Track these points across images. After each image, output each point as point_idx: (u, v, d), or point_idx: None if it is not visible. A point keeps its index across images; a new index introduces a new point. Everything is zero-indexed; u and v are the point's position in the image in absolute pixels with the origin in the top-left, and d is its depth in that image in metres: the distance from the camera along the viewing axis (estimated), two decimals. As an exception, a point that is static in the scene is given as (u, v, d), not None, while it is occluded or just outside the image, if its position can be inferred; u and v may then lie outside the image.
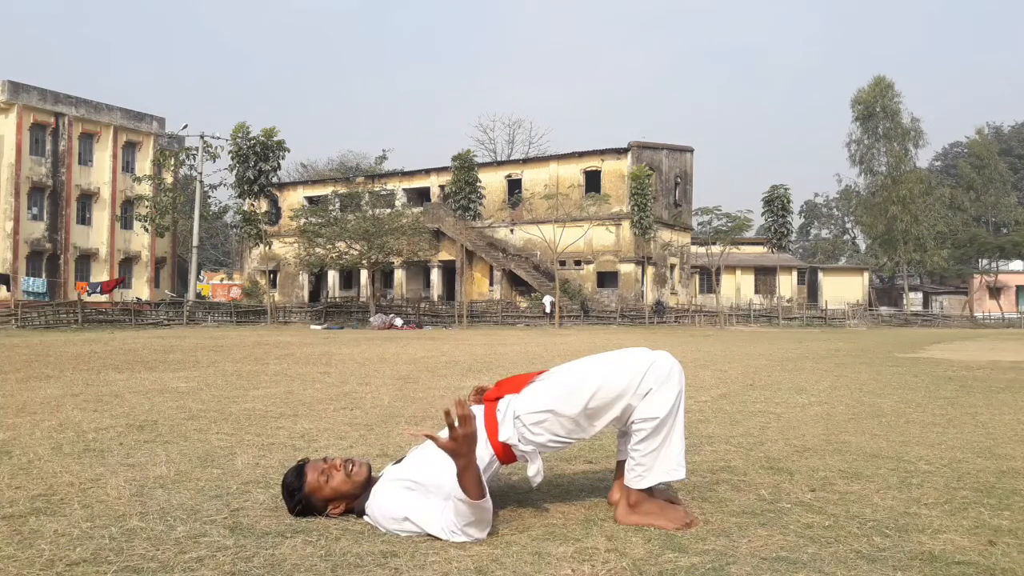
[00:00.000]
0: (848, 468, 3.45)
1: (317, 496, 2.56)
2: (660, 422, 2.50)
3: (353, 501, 2.58)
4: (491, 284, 44.58)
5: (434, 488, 2.47)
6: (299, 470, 2.61)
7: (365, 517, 2.53)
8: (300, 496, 2.56)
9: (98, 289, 38.01)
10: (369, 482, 2.60)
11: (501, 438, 2.55)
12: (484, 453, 2.55)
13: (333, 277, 48.47)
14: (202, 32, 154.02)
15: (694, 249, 49.41)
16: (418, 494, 2.46)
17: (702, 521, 2.57)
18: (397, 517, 2.40)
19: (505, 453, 2.57)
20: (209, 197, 41.20)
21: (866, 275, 58.49)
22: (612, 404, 2.54)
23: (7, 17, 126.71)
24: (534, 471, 2.58)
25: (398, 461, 2.68)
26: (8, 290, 36.30)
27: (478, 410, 2.66)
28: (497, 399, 2.63)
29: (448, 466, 2.50)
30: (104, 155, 45.60)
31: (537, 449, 2.58)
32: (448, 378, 7.93)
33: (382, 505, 2.45)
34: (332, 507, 2.57)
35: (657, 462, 2.54)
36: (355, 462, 2.62)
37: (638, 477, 2.55)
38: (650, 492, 2.59)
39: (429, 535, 2.37)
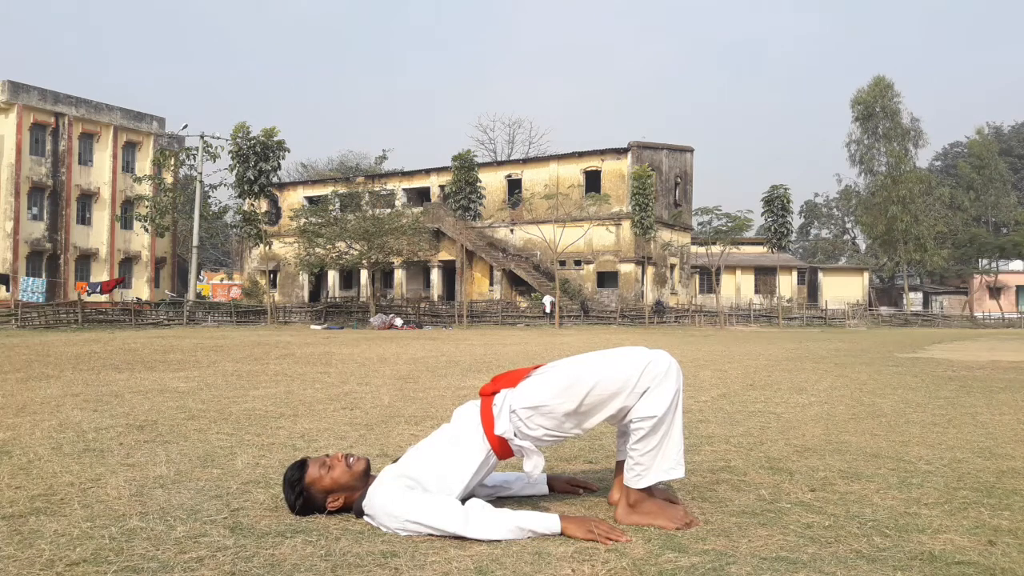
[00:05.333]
0: (848, 468, 3.45)
1: (317, 487, 2.58)
2: (658, 421, 2.51)
3: (352, 494, 2.59)
4: (491, 284, 44.57)
5: (433, 486, 2.48)
6: (300, 464, 2.66)
7: (365, 518, 2.53)
8: (300, 487, 2.58)
9: (98, 289, 37.98)
10: (368, 476, 2.62)
11: (497, 432, 2.56)
12: (481, 448, 2.56)
13: (333, 277, 48.47)
14: (202, 32, 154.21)
15: (694, 249, 49.39)
16: (418, 492, 2.46)
17: (702, 521, 2.57)
18: (398, 516, 2.40)
19: (501, 447, 2.58)
20: (209, 197, 41.18)
21: (866, 275, 58.49)
22: (608, 401, 2.54)
23: (7, 17, 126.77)
24: (531, 466, 2.59)
25: (395, 461, 2.69)
26: (8, 290, 36.29)
27: (474, 404, 2.67)
28: (493, 393, 2.63)
29: (447, 464, 2.51)
30: (104, 155, 45.61)
31: (533, 443, 2.59)
32: (448, 378, 7.93)
33: (383, 504, 2.45)
34: (331, 499, 2.59)
35: (656, 461, 2.55)
36: (355, 455, 2.67)
37: (637, 476, 2.55)
38: (650, 492, 2.60)
39: (430, 534, 2.37)
